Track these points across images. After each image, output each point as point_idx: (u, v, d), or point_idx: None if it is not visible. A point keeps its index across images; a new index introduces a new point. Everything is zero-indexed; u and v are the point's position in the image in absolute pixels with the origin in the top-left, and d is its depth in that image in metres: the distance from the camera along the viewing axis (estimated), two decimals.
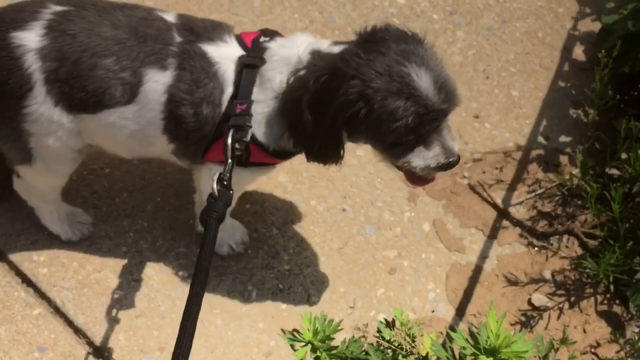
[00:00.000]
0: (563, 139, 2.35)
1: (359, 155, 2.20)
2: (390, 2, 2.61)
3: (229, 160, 1.44)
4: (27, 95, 1.46)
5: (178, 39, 1.51)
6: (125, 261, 1.85)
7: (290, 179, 2.10)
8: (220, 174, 1.41)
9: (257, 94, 1.50)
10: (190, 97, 1.50)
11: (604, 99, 2.15)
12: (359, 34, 1.50)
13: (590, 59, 2.56)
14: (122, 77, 1.48)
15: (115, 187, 1.96)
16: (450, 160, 1.47)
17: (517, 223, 2.12)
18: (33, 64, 1.44)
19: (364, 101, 1.39)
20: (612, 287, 1.96)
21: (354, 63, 1.39)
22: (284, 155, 1.59)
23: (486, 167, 2.24)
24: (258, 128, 1.51)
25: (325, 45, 1.52)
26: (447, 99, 1.42)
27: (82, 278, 1.81)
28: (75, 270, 1.82)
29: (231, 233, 1.88)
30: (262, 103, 1.50)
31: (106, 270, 1.83)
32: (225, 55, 1.51)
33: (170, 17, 1.56)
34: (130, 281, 1.82)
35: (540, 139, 2.33)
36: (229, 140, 1.44)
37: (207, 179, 1.60)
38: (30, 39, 1.44)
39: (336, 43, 1.53)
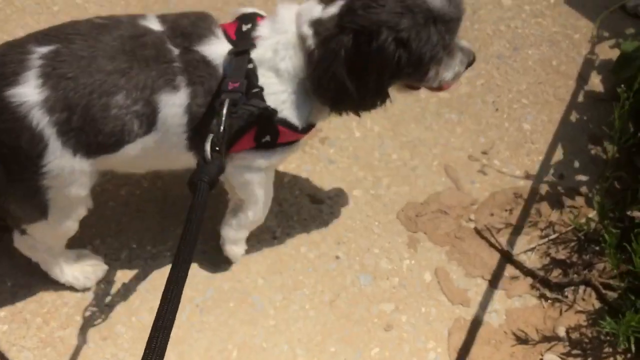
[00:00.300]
0: (579, 177, 2.15)
1: (356, 195, 2.03)
2: None
3: (222, 127, 1.33)
4: (44, 153, 1.35)
5: (176, 50, 1.41)
6: (93, 317, 1.69)
7: (279, 223, 1.94)
8: (213, 137, 1.30)
9: (277, 85, 1.44)
10: (208, 108, 1.43)
11: (624, 134, 1.97)
12: None
13: (608, 89, 2.37)
14: (136, 110, 1.39)
15: (87, 233, 1.81)
16: (471, 57, 1.57)
17: (528, 272, 1.93)
18: (42, 120, 1.32)
19: (401, 47, 1.37)
20: (633, 347, 1.76)
21: (372, 15, 1.35)
22: (309, 129, 1.55)
23: (494, 209, 2.05)
24: (288, 111, 1.46)
25: (317, 10, 1.43)
26: (458, 5, 1.44)
27: (46, 336, 1.66)
28: (39, 327, 1.67)
29: (244, 237, 1.81)
30: (287, 91, 1.45)
31: (72, 327, 1.67)
32: (222, 52, 1.43)
33: (154, 25, 1.45)
34: (97, 340, 1.66)
35: (554, 178, 2.14)
36: (224, 110, 1.34)
37: (241, 177, 1.59)
38: (29, 93, 1.31)
39: (322, 2, 1.44)
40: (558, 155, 2.20)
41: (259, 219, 1.75)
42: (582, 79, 2.40)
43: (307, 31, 1.41)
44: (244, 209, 1.68)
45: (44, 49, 1.35)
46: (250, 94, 1.40)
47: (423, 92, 2.29)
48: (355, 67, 1.38)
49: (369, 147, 2.14)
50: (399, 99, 2.24)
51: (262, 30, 1.45)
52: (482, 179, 2.11)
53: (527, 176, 2.13)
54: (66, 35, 1.38)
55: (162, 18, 1.47)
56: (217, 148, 1.27)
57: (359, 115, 1.54)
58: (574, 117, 2.30)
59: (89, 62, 1.35)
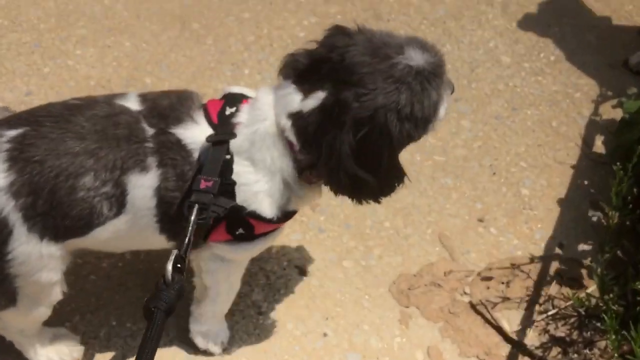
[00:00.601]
0: (581, 246, 2.07)
1: (346, 267, 1.96)
2: None
3: (186, 240, 1.27)
4: (8, 240, 1.30)
5: (150, 131, 1.36)
6: None
7: (266, 297, 1.87)
8: (177, 254, 1.23)
9: (252, 174, 1.37)
10: (179, 193, 1.36)
11: (627, 200, 1.89)
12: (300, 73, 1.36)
13: (610, 151, 2.30)
14: (105, 191, 1.33)
15: (66, 308, 1.76)
16: (452, 86, 1.44)
17: (525, 352, 1.84)
18: (6, 205, 1.28)
19: (407, 121, 1.29)
20: None
21: (369, 102, 1.26)
22: (289, 217, 1.47)
23: (491, 282, 1.97)
24: (260, 203, 1.38)
25: (296, 100, 1.33)
26: (434, 49, 1.34)
27: None
28: None
29: (217, 329, 1.71)
30: (261, 182, 1.37)
31: None
32: (198, 137, 1.37)
33: (133, 104, 1.40)
34: None
35: (554, 247, 2.06)
36: (192, 218, 1.28)
37: (212, 265, 1.53)
38: None
39: (300, 91, 1.34)
40: (558, 222, 2.12)
41: (221, 310, 1.68)
42: (584, 141, 2.33)
43: (286, 123, 1.33)
44: (207, 298, 1.61)
45: (12, 132, 1.32)
46: (221, 188, 1.33)
47: (419, 155, 2.25)
48: (365, 157, 1.29)
49: (361, 215, 2.07)
50: None
51: (242, 116, 1.39)
52: (477, 248, 2.04)
53: (526, 245, 2.05)
54: (37, 117, 1.35)
55: (143, 97, 1.43)
56: (180, 265, 1.21)
57: (379, 202, 1.45)
58: (574, 181, 2.23)
59: (57, 144, 1.31)
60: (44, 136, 1.31)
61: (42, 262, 1.36)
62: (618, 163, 1.77)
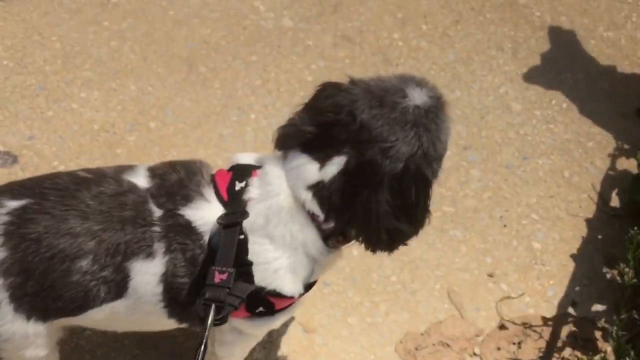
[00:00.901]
0: (595, 305, 2.00)
1: (351, 323, 1.89)
2: None
3: (202, 348, 1.19)
4: None
5: (157, 212, 1.29)
6: None
7: (267, 355, 1.81)
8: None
9: (270, 251, 1.30)
10: (189, 279, 1.30)
11: None
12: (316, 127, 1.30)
13: (625, 204, 2.23)
14: (104, 275, 1.27)
15: None
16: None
17: None
18: None
19: (433, 161, 1.27)
20: None
21: (396, 156, 1.23)
22: (309, 288, 1.41)
23: (501, 342, 1.90)
24: (281, 280, 1.31)
25: (313, 171, 1.27)
26: (430, 84, 1.31)
27: None
28: None
29: None
30: (281, 259, 1.31)
31: None
32: (209, 218, 1.30)
33: (141, 179, 1.34)
34: None
35: (567, 306, 1.99)
36: (209, 321, 1.21)
37: (229, 337, 1.47)
38: None
39: (314, 160, 1.28)
40: (571, 279, 2.05)
41: None
42: (598, 193, 2.27)
43: (306, 196, 1.28)
44: None
45: (14, 204, 1.26)
46: (238, 272, 1.26)
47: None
48: (403, 208, 1.26)
49: (367, 268, 2.01)
50: None
51: (254, 191, 1.32)
52: (488, 306, 1.97)
53: (537, 303, 1.98)
54: (42, 189, 1.29)
55: (152, 171, 1.36)
56: None
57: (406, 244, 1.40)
58: (588, 235, 2.16)
59: (58, 222, 1.25)
60: (46, 212, 1.26)
61: (28, 340, 1.31)
62: (636, 228, 1.70)
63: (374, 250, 1.34)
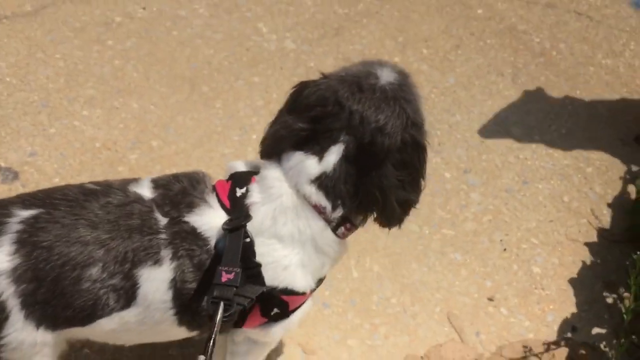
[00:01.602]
0: (594, 330, 1.99)
1: (350, 346, 1.88)
2: None
3: (211, 343, 1.18)
4: (3, 325, 1.25)
5: (163, 220, 1.31)
6: None
7: None
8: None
9: (279, 250, 1.32)
10: (199, 284, 1.31)
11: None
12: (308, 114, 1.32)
13: (624, 229, 2.24)
14: (113, 283, 1.28)
15: None
16: None
17: None
18: (6, 290, 1.23)
19: (424, 125, 1.33)
20: None
21: (392, 129, 1.28)
22: (321, 281, 1.44)
23: None
24: (292, 277, 1.34)
25: (313, 165, 1.30)
26: (384, 60, 1.39)
27: None
28: None
29: None
30: (290, 255, 1.33)
31: None
32: (214, 223, 1.32)
33: (146, 190, 1.36)
34: None
35: (567, 331, 1.98)
36: (218, 318, 1.21)
37: (243, 347, 1.49)
38: (0, 260, 1.23)
39: (312, 154, 1.31)
40: (570, 303, 2.05)
41: None
42: (597, 218, 2.28)
43: (310, 190, 1.31)
44: None
45: (25, 213, 1.27)
46: (247, 275, 1.28)
47: (427, 228, 2.20)
48: (407, 178, 1.32)
49: (367, 290, 2.00)
50: (402, 236, 2.13)
51: (255, 195, 1.34)
52: (487, 330, 1.96)
53: (537, 327, 1.97)
54: (52, 200, 1.30)
55: (155, 182, 1.38)
56: None
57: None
58: (587, 260, 2.16)
59: (69, 231, 1.26)
60: (57, 221, 1.27)
61: (35, 349, 1.30)
62: (638, 253, 1.71)
63: (389, 226, 1.38)
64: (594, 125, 2.61)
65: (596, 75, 2.83)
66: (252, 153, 2.33)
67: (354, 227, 1.37)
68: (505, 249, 2.16)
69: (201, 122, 2.39)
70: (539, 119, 2.61)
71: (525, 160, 2.45)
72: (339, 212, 1.32)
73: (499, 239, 2.19)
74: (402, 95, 1.30)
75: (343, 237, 1.37)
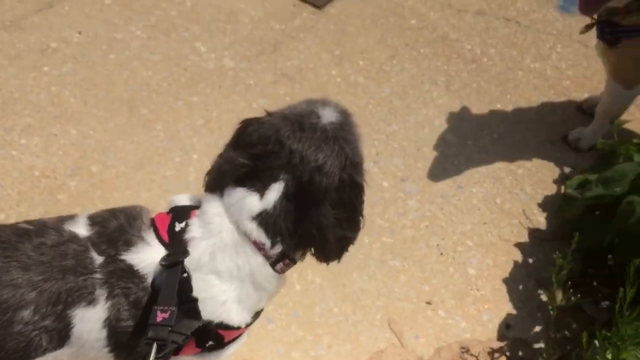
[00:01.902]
0: (527, 326, 2.09)
1: (295, 358, 1.93)
2: None
3: None
4: None
5: (98, 259, 1.32)
6: None
7: None
8: None
9: (217, 286, 1.34)
10: (134, 322, 1.32)
11: (573, 276, 1.93)
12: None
13: (554, 228, 2.35)
14: (45, 325, 1.28)
15: None
16: None
17: None
18: None
19: (361, 165, 1.38)
20: None
21: (330, 169, 1.32)
22: (259, 315, 1.46)
23: None
24: (228, 312, 1.36)
25: (254, 201, 1.33)
26: (327, 99, 1.43)
27: None
28: None
29: None
30: (227, 291, 1.35)
31: None
32: (151, 260, 1.33)
33: (81, 228, 1.36)
34: None
35: (502, 329, 2.07)
36: (151, 359, 1.23)
37: None
38: None
39: (253, 191, 1.33)
40: (504, 302, 2.14)
41: None
42: (527, 218, 2.39)
43: (251, 227, 1.33)
44: None
45: None
46: (183, 310, 1.30)
47: (367, 238, 2.27)
48: (345, 216, 1.36)
49: (310, 302, 2.06)
50: None
51: (195, 230, 1.36)
52: (426, 333, 2.04)
53: (473, 327, 2.06)
54: None
55: (92, 219, 1.39)
56: None
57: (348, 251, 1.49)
58: (520, 259, 2.27)
59: (0, 274, 1.27)
60: None
61: None
62: (557, 252, 1.81)
63: (327, 261, 1.43)
64: (524, 128, 2.73)
65: (525, 79, 2.96)
66: (194, 173, 2.37)
67: (292, 262, 1.39)
68: (442, 253, 2.25)
69: (141, 144, 2.42)
70: (471, 125, 2.72)
71: (460, 165, 2.55)
72: (278, 249, 1.34)
73: (436, 243, 2.28)
74: (342, 135, 1.35)
75: (281, 272, 1.40)
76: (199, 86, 2.66)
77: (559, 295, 2.00)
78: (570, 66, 3.01)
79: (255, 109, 2.62)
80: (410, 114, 2.72)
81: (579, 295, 2.00)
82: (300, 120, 1.34)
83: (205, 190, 1.43)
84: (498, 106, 2.81)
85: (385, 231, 2.29)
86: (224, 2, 3.07)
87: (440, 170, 2.52)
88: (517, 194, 2.47)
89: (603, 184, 2.01)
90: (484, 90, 2.87)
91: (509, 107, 2.82)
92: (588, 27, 2.37)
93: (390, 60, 2.95)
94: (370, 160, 2.51)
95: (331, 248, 1.38)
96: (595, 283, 2.18)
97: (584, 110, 2.80)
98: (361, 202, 1.39)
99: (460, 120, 2.73)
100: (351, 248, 1.43)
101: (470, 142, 2.65)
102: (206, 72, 2.72)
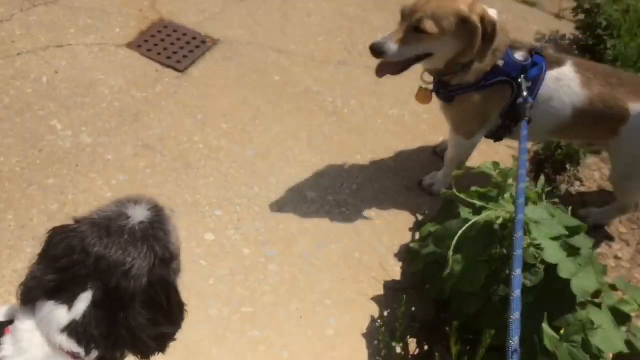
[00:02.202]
0: None
1: None
2: (197, 241, 2.47)
3: None
4: None
5: None
6: None
7: None
8: None
9: None
10: None
11: (426, 323, 2.02)
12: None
13: (408, 277, 2.46)
14: None
15: None
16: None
17: None
18: None
19: (173, 260, 1.43)
20: None
21: (138, 271, 1.36)
22: None
23: None
24: None
25: (62, 314, 1.35)
26: (137, 196, 1.48)
27: None
28: None
29: None
30: None
31: None
32: None
33: None
34: None
35: None
36: None
37: None
38: None
39: (61, 303, 1.36)
40: (363, 359, 2.22)
41: None
42: (384, 270, 2.48)
43: (61, 338, 1.36)
44: None
45: None
46: None
47: (227, 309, 2.30)
48: (159, 315, 1.39)
49: None
50: (202, 322, 2.22)
51: (7, 349, 1.36)
52: None
53: None
54: None
55: None
56: None
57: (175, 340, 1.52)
58: (377, 313, 2.35)
59: None
60: None
61: None
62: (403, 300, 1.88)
63: (147, 358, 1.46)
64: (383, 177, 2.84)
65: (384, 126, 3.08)
66: None
67: None
68: (301, 317, 2.31)
69: None
70: (332, 179, 2.80)
71: (320, 223, 2.63)
72: (94, 354, 1.38)
73: (295, 307, 2.34)
74: (151, 234, 1.39)
75: None
76: (55, 167, 2.64)
77: (413, 345, 2.09)
78: (427, 110, 3.15)
79: (114, 185, 2.62)
80: (273, 175, 2.79)
81: (430, 344, 2.10)
82: (108, 224, 1.38)
83: (20, 304, 1.44)
84: (358, 157, 2.92)
85: (246, 300, 2.33)
86: (82, 75, 3.06)
87: (301, 230, 2.58)
88: (375, 247, 2.57)
89: (434, 241, 2.12)
90: (344, 143, 2.97)
91: (369, 157, 2.93)
92: (424, 91, 2.52)
93: (253, 120, 3.01)
94: (232, 227, 2.55)
95: (147, 347, 1.41)
96: (447, 329, 2.29)
97: (438, 154, 2.95)
98: (175, 296, 1.43)
99: (320, 176, 2.81)
100: (177, 339, 1.48)
101: (330, 197, 2.73)
102: (62, 152, 2.70)
